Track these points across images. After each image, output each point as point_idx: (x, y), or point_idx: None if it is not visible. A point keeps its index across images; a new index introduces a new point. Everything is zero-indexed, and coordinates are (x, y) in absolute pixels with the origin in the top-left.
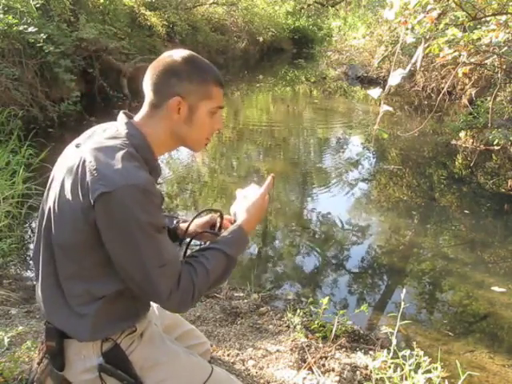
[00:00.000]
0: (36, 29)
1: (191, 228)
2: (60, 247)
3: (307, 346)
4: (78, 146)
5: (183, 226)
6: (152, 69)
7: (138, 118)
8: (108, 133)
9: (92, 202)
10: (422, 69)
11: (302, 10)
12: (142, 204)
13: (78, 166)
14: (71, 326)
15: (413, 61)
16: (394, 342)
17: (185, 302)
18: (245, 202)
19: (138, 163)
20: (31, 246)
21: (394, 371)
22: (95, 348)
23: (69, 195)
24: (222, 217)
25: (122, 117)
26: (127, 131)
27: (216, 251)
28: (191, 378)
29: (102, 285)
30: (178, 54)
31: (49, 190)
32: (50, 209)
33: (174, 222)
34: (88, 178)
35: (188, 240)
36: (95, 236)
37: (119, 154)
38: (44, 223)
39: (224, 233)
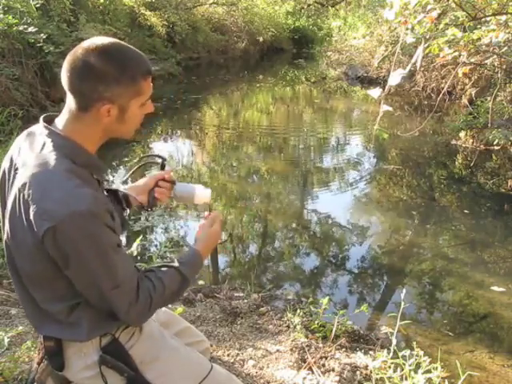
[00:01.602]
0: (36, 29)
1: (140, 187)
2: (26, 276)
3: (307, 345)
4: (16, 170)
5: (133, 188)
6: (71, 68)
7: (62, 122)
8: (36, 150)
9: (40, 237)
10: (422, 69)
11: (302, 10)
12: (89, 230)
13: (19, 199)
14: (67, 333)
15: (413, 61)
16: (394, 342)
17: (143, 316)
18: (209, 229)
19: (77, 179)
20: None
21: (394, 371)
22: (94, 344)
23: (19, 231)
24: (164, 160)
25: (43, 126)
26: (54, 143)
27: (174, 270)
28: (190, 373)
29: (77, 295)
30: (98, 51)
31: (3, 213)
32: (7, 239)
33: (122, 189)
34: (31, 213)
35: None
36: (55, 264)
37: (56, 178)
38: (5, 250)
39: (183, 254)
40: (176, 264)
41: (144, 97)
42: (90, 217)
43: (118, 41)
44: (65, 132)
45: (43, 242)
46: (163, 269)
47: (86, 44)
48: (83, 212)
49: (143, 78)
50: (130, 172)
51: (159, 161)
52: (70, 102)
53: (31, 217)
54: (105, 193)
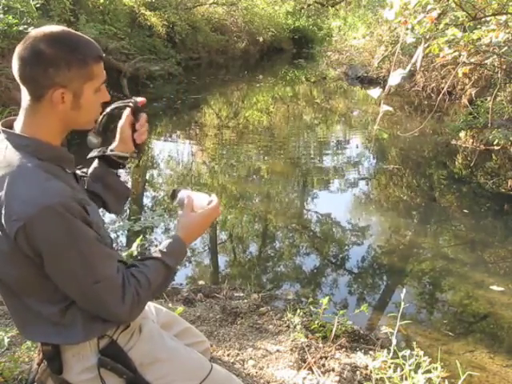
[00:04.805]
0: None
1: (122, 141)
2: (15, 283)
3: (307, 345)
4: None
5: (118, 147)
6: (20, 57)
7: (20, 122)
8: (0, 155)
9: (13, 239)
10: (422, 69)
11: (302, 10)
12: (60, 223)
13: None
14: (62, 338)
15: (413, 61)
16: (394, 342)
17: (132, 314)
18: (191, 214)
19: (45, 174)
20: None
21: (394, 371)
22: (92, 346)
23: None
24: (134, 104)
25: (1, 131)
26: (15, 144)
27: (158, 262)
28: (191, 374)
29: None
30: (46, 37)
31: None
32: None
33: (108, 150)
34: (2, 217)
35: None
36: (36, 265)
37: (22, 177)
38: None
39: (165, 243)
40: (159, 255)
41: (97, 81)
42: (60, 210)
43: (66, 28)
44: (23, 130)
45: (17, 243)
46: (146, 262)
47: (34, 33)
48: (52, 206)
49: (94, 61)
50: (100, 118)
51: (130, 104)
52: (25, 95)
53: (3, 221)
54: (83, 186)
